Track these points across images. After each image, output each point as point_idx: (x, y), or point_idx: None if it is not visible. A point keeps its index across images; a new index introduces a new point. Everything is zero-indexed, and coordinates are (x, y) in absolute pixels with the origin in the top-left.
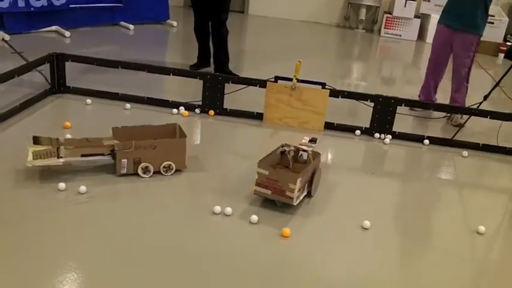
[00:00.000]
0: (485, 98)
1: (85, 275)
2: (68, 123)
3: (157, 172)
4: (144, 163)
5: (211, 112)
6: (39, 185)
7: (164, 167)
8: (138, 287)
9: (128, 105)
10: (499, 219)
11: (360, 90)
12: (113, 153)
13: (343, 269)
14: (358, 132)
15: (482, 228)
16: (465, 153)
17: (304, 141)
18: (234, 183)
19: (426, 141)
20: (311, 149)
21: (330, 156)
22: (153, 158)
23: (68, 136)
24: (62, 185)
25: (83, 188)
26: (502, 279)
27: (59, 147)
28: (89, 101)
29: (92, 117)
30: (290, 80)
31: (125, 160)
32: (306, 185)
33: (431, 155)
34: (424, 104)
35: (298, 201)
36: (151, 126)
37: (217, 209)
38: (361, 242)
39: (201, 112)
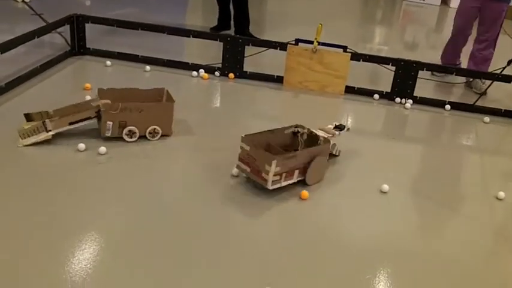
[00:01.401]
0: (509, 62)
1: (104, 234)
2: (88, 85)
3: (142, 136)
4: (129, 126)
5: (231, 75)
6: (58, 145)
7: (150, 131)
8: (158, 247)
9: (148, 68)
10: None
11: (381, 55)
12: (98, 114)
13: (363, 233)
14: (376, 96)
15: (502, 194)
16: (487, 119)
17: (329, 126)
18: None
19: (447, 107)
20: (332, 136)
21: (350, 120)
22: (139, 122)
23: (88, 97)
24: (81, 146)
25: (102, 149)
26: None
27: (44, 121)
28: (108, 62)
29: (111, 79)
30: (311, 42)
31: (111, 122)
32: (298, 171)
33: (453, 120)
34: (447, 68)
35: (278, 186)
36: (138, 90)
37: (236, 171)
38: (381, 206)
39: (220, 75)
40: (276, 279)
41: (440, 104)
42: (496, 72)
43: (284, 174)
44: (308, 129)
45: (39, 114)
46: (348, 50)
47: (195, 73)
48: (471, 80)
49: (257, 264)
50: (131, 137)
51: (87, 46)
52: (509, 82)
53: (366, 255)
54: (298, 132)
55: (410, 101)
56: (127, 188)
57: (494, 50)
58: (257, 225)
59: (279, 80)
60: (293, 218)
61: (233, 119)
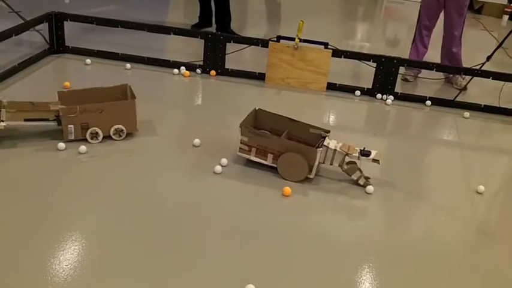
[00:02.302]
0: (488, 58)
1: (88, 233)
2: (67, 83)
3: (107, 137)
4: (92, 128)
5: (213, 72)
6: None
7: (113, 132)
8: (142, 245)
9: (128, 65)
10: (499, 179)
11: (363, 52)
12: (58, 118)
13: (344, 228)
14: (358, 92)
15: (482, 188)
16: (467, 114)
17: (356, 148)
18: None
19: (428, 102)
20: (352, 160)
21: (332, 117)
22: (101, 122)
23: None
24: (61, 145)
25: (83, 148)
26: (500, 238)
27: (0, 111)
28: (88, 61)
29: (91, 77)
30: (292, 39)
31: (72, 126)
32: (272, 156)
33: (433, 115)
34: (426, 65)
35: (246, 156)
36: (100, 89)
37: (218, 168)
38: (362, 201)
39: (202, 72)
40: (258, 276)
41: (420, 99)
42: (475, 68)
43: (254, 149)
44: (328, 137)
45: None
46: (329, 46)
47: (176, 71)
48: (451, 76)
49: (240, 260)
50: (95, 139)
51: (66, 44)
52: (489, 77)
53: (348, 250)
54: (324, 137)
55: (391, 97)
56: (109, 187)
57: (461, 43)
58: (239, 220)
59: (260, 77)
60: (274, 214)
61: (215, 116)
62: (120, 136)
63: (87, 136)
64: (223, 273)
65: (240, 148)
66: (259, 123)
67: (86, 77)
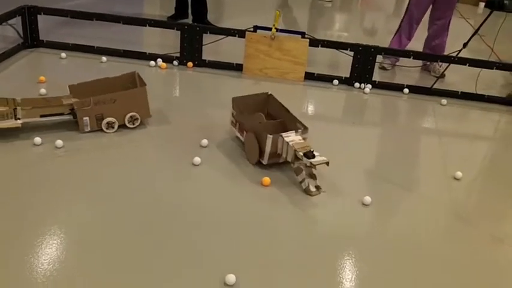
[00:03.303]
0: (465, 45)
1: (68, 230)
2: (42, 78)
3: (122, 125)
4: (107, 118)
5: (190, 64)
6: (13, 140)
7: (128, 119)
8: (122, 239)
9: (104, 58)
10: (476, 165)
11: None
12: (73, 112)
13: (323, 218)
14: (336, 82)
15: (459, 174)
16: (444, 101)
17: (307, 149)
18: (214, 132)
19: (406, 90)
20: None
21: (311, 106)
22: (115, 112)
23: (43, 91)
24: (37, 140)
25: (59, 142)
26: (476, 222)
27: (15, 108)
28: (63, 54)
29: (67, 71)
30: (269, 29)
31: (87, 118)
32: (245, 134)
33: (411, 103)
34: (403, 53)
35: (234, 130)
36: (109, 79)
37: (197, 160)
38: (341, 189)
39: (179, 64)
40: (239, 266)
41: (398, 87)
42: (452, 55)
43: (238, 125)
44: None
45: (5, 100)
46: (306, 36)
47: (152, 63)
48: (428, 63)
49: (219, 251)
50: (111, 128)
51: (41, 38)
52: (465, 64)
53: (329, 240)
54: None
55: (369, 85)
56: (87, 181)
57: (447, 34)
58: (218, 211)
59: (238, 68)
60: (254, 205)
61: (193, 108)
62: (134, 124)
63: (103, 126)
64: (204, 264)
65: (231, 121)
66: (270, 109)
67: (62, 71)
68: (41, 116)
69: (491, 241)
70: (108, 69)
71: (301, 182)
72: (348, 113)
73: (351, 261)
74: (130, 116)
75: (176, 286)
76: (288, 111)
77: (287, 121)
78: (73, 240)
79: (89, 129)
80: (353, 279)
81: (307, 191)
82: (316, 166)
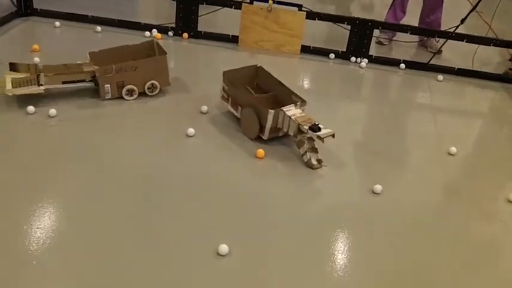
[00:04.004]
0: (462, 21)
1: (59, 199)
2: (36, 46)
3: (141, 93)
4: (127, 85)
5: (185, 35)
6: (7, 110)
7: (148, 87)
8: (116, 210)
9: (99, 28)
10: (470, 141)
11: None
12: (94, 79)
13: (317, 194)
14: (332, 55)
15: (453, 149)
16: (440, 77)
17: (312, 122)
18: (207, 104)
19: (402, 65)
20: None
21: (306, 80)
22: (135, 79)
23: (37, 59)
24: (31, 108)
25: (52, 111)
26: (469, 197)
27: (39, 75)
28: (57, 23)
29: (61, 40)
30: (266, 1)
31: (108, 85)
32: (240, 109)
33: (407, 79)
34: (402, 27)
35: (226, 104)
36: (128, 46)
37: (191, 131)
38: (336, 164)
39: (174, 35)
40: (231, 236)
41: (395, 63)
42: (449, 31)
43: (231, 99)
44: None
45: (26, 66)
46: (303, 8)
47: (147, 33)
48: (425, 38)
49: (212, 221)
50: (131, 95)
51: (35, 7)
52: (463, 41)
53: (321, 212)
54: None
55: (366, 60)
56: (81, 150)
57: (442, 10)
58: (211, 182)
59: (234, 39)
60: (247, 177)
61: (189, 80)
62: (152, 92)
63: (123, 94)
64: (197, 234)
65: (222, 95)
66: (260, 81)
67: (56, 40)
68: (63, 83)
69: (484, 217)
70: (103, 39)
71: (303, 155)
72: (344, 87)
73: (343, 234)
74: (151, 84)
75: (170, 256)
76: (282, 83)
77: (280, 94)
78: (67, 210)
79: (109, 96)
80: (345, 251)
81: (309, 165)
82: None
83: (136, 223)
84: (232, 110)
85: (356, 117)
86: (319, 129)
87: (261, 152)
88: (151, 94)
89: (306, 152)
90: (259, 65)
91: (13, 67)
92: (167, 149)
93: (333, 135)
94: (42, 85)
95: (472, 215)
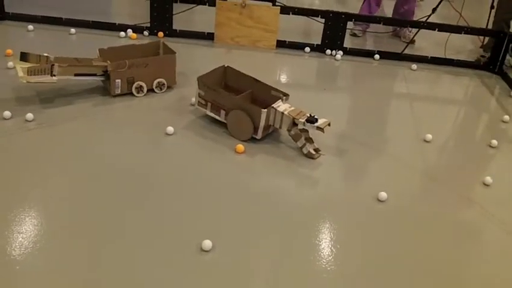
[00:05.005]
0: (434, 10)
1: (40, 202)
2: (9, 51)
3: (150, 90)
4: (137, 82)
5: (161, 34)
6: None
7: (156, 85)
8: (99, 207)
9: (73, 30)
10: (446, 128)
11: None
12: (106, 73)
13: (301, 183)
14: (307, 49)
15: (429, 136)
16: (414, 66)
17: (305, 115)
18: (189, 102)
19: (376, 56)
20: (293, 117)
21: (283, 74)
22: (145, 76)
23: (11, 64)
24: (7, 114)
25: (29, 115)
26: (446, 183)
27: (53, 65)
28: (30, 27)
29: (35, 43)
30: None
31: (119, 80)
32: (224, 112)
33: (382, 69)
34: (374, 18)
35: (203, 110)
36: (136, 46)
37: (170, 129)
38: (317, 158)
39: (149, 34)
40: (215, 232)
41: (369, 54)
42: (421, 20)
43: (210, 104)
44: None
45: (37, 56)
46: (277, 3)
47: (123, 33)
48: (398, 29)
49: (195, 217)
50: (140, 92)
51: (6, 11)
52: (435, 30)
53: (302, 203)
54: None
55: (341, 52)
56: (60, 154)
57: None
58: (192, 178)
59: (209, 36)
60: (227, 172)
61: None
62: (161, 89)
63: (133, 90)
64: (180, 229)
65: (199, 102)
66: (228, 81)
67: (30, 44)
68: (75, 75)
69: (461, 201)
70: (78, 41)
71: (301, 148)
72: (320, 79)
73: (325, 224)
74: (158, 82)
75: (154, 253)
76: (257, 80)
77: (257, 91)
78: (48, 213)
79: (119, 91)
80: (330, 241)
81: (309, 155)
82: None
83: (117, 221)
84: (213, 114)
85: (333, 107)
86: (317, 120)
87: (240, 147)
88: (160, 92)
89: (304, 144)
90: (226, 65)
91: (24, 57)
92: (147, 148)
93: (329, 124)
94: (55, 75)
95: (449, 199)
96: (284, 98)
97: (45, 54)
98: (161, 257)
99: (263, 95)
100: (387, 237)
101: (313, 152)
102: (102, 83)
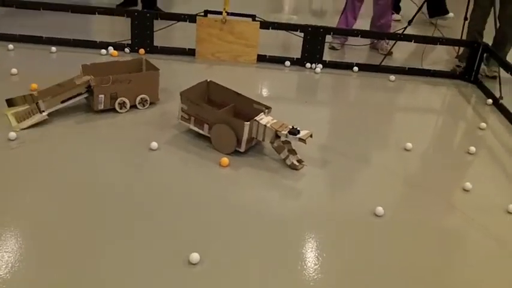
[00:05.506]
0: (410, 23)
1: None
2: None
3: (133, 106)
4: (121, 98)
5: (142, 51)
6: None
7: (139, 101)
8: (84, 224)
9: (54, 49)
10: (425, 136)
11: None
12: (89, 89)
13: (280, 197)
14: (287, 63)
15: (409, 145)
16: (392, 77)
17: (288, 127)
18: (173, 119)
19: (355, 68)
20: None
21: (264, 88)
22: (128, 92)
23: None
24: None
25: (12, 134)
26: (427, 190)
27: (37, 103)
28: (10, 46)
29: (15, 62)
30: (220, 13)
31: (102, 96)
32: (207, 126)
33: (361, 80)
34: (352, 32)
35: (186, 124)
36: (119, 62)
37: (154, 145)
38: (300, 171)
39: (131, 51)
40: (202, 245)
41: (348, 66)
42: (398, 32)
43: (193, 119)
44: (265, 112)
45: (23, 98)
46: (256, 18)
47: (104, 51)
48: (376, 41)
49: (183, 230)
50: (123, 108)
51: None
52: (411, 41)
53: (286, 215)
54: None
55: (320, 65)
56: (44, 173)
57: (392, 13)
58: (178, 192)
59: (191, 52)
60: (212, 186)
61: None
62: (144, 106)
63: (116, 106)
64: (168, 243)
65: (182, 116)
66: (211, 95)
67: (10, 64)
68: (62, 102)
69: (442, 206)
70: (59, 60)
71: (285, 159)
72: (301, 92)
73: (310, 234)
74: (141, 98)
75: (141, 267)
76: (239, 94)
77: (240, 104)
78: (34, 231)
79: (102, 107)
80: (316, 250)
81: (292, 166)
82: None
83: (103, 238)
84: (196, 129)
85: (315, 120)
86: (299, 132)
87: (224, 160)
88: (142, 108)
89: (287, 156)
90: (209, 79)
91: (10, 103)
92: (131, 164)
93: (311, 135)
94: (43, 111)
95: (431, 207)
96: (266, 111)
97: (30, 93)
98: (149, 270)
99: (246, 109)
100: (372, 245)
101: (297, 163)
102: (85, 99)
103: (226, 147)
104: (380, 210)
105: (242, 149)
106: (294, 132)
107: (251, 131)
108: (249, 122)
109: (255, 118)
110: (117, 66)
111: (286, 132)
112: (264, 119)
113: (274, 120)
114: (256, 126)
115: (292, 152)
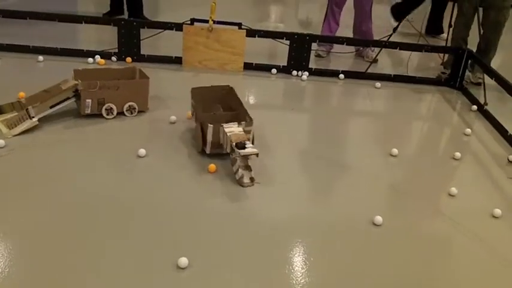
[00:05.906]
0: (394, 30)
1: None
2: None
3: (120, 113)
4: (108, 103)
5: (129, 59)
6: None
7: (127, 108)
8: (72, 232)
9: (41, 58)
10: (410, 142)
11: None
12: (77, 93)
13: (267, 204)
14: (274, 70)
15: (395, 151)
16: (378, 84)
17: (239, 137)
18: (161, 126)
19: (341, 76)
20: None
21: (251, 96)
22: (116, 99)
23: None
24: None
25: (1, 142)
26: (413, 195)
27: (27, 109)
28: None
29: (2, 72)
30: (206, 21)
31: (90, 100)
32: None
33: (347, 88)
34: (338, 39)
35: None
36: (112, 69)
37: (142, 151)
38: (287, 172)
39: (118, 60)
40: (190, 250)
41: (334, 73)
42: (383, 40)
43: (195, 114)
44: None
45: (11, 105)
46: (242, 26)
47: (91, 60)
48: (361, 49)
49: (172, 236)
50: (110, 114)
51: None
52: (396, 48)
53: (274, 223)
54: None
55: (306, 73)
56: (33, 180)
57: (371, 21)
58: (165, 197)
59: (177, 61)
60: (200, 192)
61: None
62: (132, 113)
63: (103, 111)
64: (156, 248)
65: (192, 111)
66: (230, 102)
67: None
68: (51, 107)
69: (429, 212)
70: (46, 69)
71: (235, 173)
72: (287, 99)
73: (297, 239)
74: (129, 105)
75: (130, 273)
76: (242, 104)
77: (240, 113)
78: (17, 236)
79: (89, 111)
80: (302, 254)
81: (239, 182)
82: (253, 157)
83: (94, 242)
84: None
85: (301, 127)
86: (244, 147)
87: (212, 166)
88: (130, 116)
89: (237, 169)
90: (230, 86)
91: None
92: (119, 170)
93: (257, 155)
94: (33, 117)
95: (417, 212)
96: (243, 122)
97: (18, 100)
98: (138, 275)
99: (241, 118)
100: (359, 250)
101: (246, 181)
102: (75, 103)
103: (197, 144)
104: (378, 219)
105: (207, 151)
106: (239, 146)
107: (217, 135)
108: (212, 125)
109: (223, 124)
110: (109, 73)
111: (233, 145)
112: (231, 128)
113: (241, 132)
114: (223, 133)
115: (247, 168)
